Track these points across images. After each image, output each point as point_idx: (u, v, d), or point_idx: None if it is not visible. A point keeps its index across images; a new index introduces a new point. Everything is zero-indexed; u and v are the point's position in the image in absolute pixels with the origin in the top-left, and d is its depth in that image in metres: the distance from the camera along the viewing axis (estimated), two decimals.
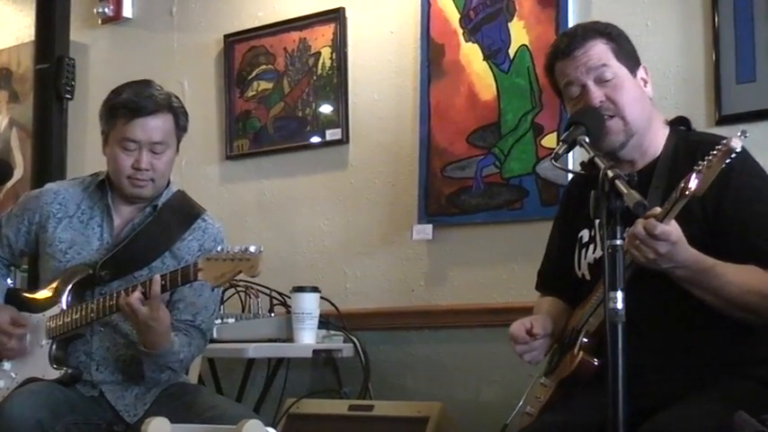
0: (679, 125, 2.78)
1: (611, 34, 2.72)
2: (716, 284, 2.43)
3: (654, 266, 2.38)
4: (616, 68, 2.68)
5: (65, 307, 3.16)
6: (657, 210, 2.33)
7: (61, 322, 3.15)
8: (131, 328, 3.09)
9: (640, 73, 2.74)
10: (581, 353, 2.61)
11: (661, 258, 2.35)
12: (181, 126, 3.26)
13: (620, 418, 2.16)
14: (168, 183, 3.32)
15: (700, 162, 2.27)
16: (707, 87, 3.55)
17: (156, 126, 3.17)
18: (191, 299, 3.18)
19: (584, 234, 2.78)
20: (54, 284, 3.21)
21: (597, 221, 2.44)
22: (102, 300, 3.08)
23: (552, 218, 3.06)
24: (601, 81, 2.67)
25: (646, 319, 2.49)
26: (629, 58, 2.72)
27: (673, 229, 2.32)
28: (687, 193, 2.25)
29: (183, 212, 3.31)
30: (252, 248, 2.84)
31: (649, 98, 2.74)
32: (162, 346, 3.04)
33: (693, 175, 2.25)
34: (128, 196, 3.25)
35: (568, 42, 2.72)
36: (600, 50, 2.68)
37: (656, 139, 2.72)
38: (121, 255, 3.20)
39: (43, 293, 3.24)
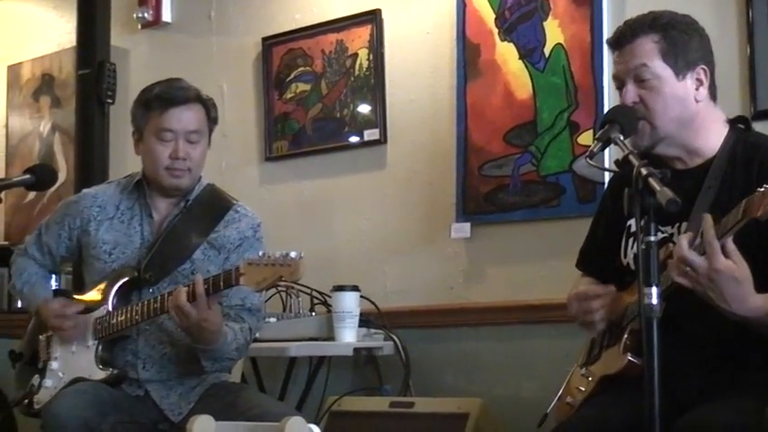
0: (739, 123, 2.72)
1: (666, 31, 2.63)
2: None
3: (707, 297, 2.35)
4: (659, 69, 2.62)
5: (111, 309, 3.21)
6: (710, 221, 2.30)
7: (107, 324, 3.21)
8: (175, 325, 3.12)
9: (696, 74, 2.65)
10: (628, 354, 2.61)
11: (717, 291, 2.32)
12: (212, 117, 3.33)
13: (657, 413, 2.17)
14: (199, 178, 3.37)
15: (765, 185, 2.22)
16: (741, 82, 3.53)
17: (189, 115, 3.25)
18: None
19: (633, 223, 2.71)
20: (100, 286, 3.26)
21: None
22: (147, 302, 3.13)
23: (590, 215, 3.06)
24: (639, 80, 2.64)
25: (684, 314, 2.48)
26: (682, 58, 2.63)
27: (737, 265, 2.30)
28: (751, 216, 2.23)
29: (214, 204, 3.36)
30: (293, 254, 2.86)
31: (697, 101, 2.64)
32: (216, 341, 3.08)
33: (756, 198, 2.22)
34: (165, 189, 3.30)
35: (618, 36, 2.70)
36: (645, 49, 2.63)
37: (711, 138, 2.67)
38: (161, 252, 3.25)
39: (90, 295, 3.29)
